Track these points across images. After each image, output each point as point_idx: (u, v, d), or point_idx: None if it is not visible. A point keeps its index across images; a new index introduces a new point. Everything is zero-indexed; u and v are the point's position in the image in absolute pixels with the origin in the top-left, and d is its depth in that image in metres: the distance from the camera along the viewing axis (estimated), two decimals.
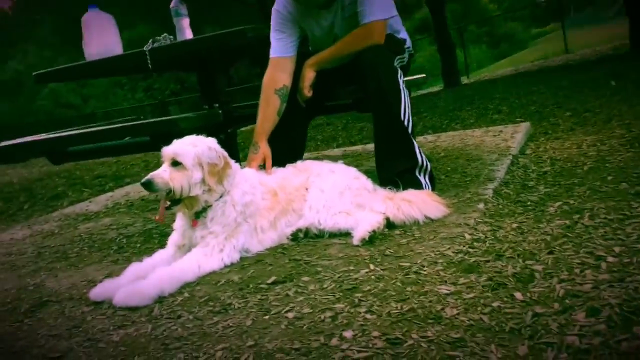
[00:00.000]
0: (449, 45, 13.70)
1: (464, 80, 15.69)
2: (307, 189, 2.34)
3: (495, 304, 1.42)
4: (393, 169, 2.44)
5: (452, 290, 1.53)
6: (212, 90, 3.12)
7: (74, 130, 2.91)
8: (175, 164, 2.07)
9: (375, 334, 1.36)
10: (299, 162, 2.47)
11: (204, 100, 3.15)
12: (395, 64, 2.53)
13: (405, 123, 2.44)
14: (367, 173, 2.44)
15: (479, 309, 1.41)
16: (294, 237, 2.25)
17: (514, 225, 2.01)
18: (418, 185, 2.41)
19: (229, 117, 3.03)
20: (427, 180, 2.47)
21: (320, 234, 2.24)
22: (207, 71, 3.10)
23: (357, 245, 2.04)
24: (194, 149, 2.09)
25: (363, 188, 2.35)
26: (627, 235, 1.74)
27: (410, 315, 1.43)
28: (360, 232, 2.08)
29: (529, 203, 2.30)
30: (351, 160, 3.81)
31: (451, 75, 13.59)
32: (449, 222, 2.13)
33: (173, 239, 2.22)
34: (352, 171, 2.41)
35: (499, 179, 2.69)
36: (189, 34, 2.93)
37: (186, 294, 1.87)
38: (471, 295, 1.49)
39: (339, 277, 1.77)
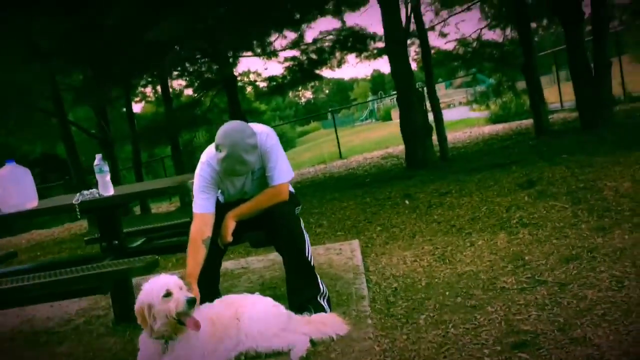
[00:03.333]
0: None
1: None
2: (238, 319, 2.96)
3: None
4: (302, 297, 3.18)
5: None
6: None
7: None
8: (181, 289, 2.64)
9: None
10: (224, 297, 3.09)
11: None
12: (296, 213, 3.34)
13: (309, 260, 3.23)
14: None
15: None
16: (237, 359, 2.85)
17: (404, 337, 2.88)
18: (322, 309, 3.17)
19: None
20: (326, 304, 3.25)
21: (258, 355, 2.86)
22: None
23: None
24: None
25: (283, 314, 3.05)
26: (486, 340, 2.70)
27: None
28: (299, 351, 2.76)
29: (400, 316, 3.20)
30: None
31: None
32: (357, 337, 2.92)
33: None
34: (270, 301, 3.10)
35: (367, 297, 3.58)
36: (111, 190, 3.41)
37: None
38: None
39: None
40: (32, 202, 3.39)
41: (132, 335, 3.52)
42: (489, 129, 16.75)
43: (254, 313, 2.96)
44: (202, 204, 3.18)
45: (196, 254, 3.10)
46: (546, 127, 11.70)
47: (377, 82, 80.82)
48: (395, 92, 10.85)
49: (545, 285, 3.21)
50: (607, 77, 10.34)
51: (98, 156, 3.40)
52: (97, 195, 3.29)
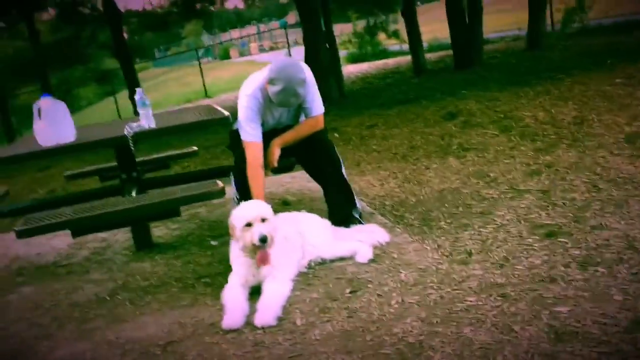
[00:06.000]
0: None
1: None
2: (301, 233, 3.34)
3: None
4: (343, 213, 3.62)
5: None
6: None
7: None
8: (263, 220, 2.91)
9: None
10: (279, 215, 3.43)
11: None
12: None
13: (346, 177, 3.67)
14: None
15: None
16: (309, 266, 3.26)
17: (442, 238, 3.46)
18: (360, 223, 3.65)
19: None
20: (359, 217, 3.73)
21: (324, 262, 3.29)
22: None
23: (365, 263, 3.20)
24: (268, 208, 2.98)
25: (333, 227, 3.49)
26: (520, 233, 3.36)
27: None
28: (365, 255, 3.23)
29: (420, 224, 3.77)
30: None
31: None
32: (402, 241, 3.44)
33: (239, 277, 2.97)
34: (318, 217, 3.52)
35: (376, 212, 4.11)
36: (153, 122, 3.52)
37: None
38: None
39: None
40: (70, 136, 3.39)
41: (162, 258, 3.74)
42: (355, 69, 17.60)
43: (312, 227, 3.36)
44: (254, 133, 3.45)
45: (258, 179, 3.38)
46: (423, 67, 12.78)
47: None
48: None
49: (530, 193, 3.95)
50: (479, 21, 11.54)
51: (139, 90, 3.47)
52: (145, 127, 3.39)
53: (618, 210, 3.31)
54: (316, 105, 3.58)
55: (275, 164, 3.56)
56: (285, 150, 3.60)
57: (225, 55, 39.95)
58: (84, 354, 2.63)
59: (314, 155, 3.63)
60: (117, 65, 15.33)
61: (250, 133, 3.44)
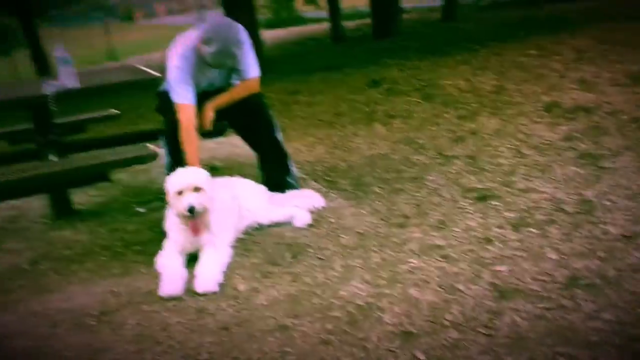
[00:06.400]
0: None
1: None
2: (236, 198, 3.26)
3: None
4: (278, 177, 3.55)
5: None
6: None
7: None
8: (197, 189, 2.79)
9: None
10: (218, 179, 3.32)
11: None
12: None
13: (281, 141, 3.60)
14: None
15: None
16: (246, 231, 3.18)
17: (379, 202, 3.48)
18: (295, 187, 3.60)
19: None
20: (295, 182, 3.68)
21: (260, 227, 3.23)
22: None
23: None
24: (204, 175, 2.85)
25: (268, 192, 3.43)
26: (463, 190, 3.43)
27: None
28: (303, 219, 3.19)
29: (353, 189, 3.78)
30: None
31: None
32: (337, 206, 3.43)
33: (176, 244, 2.86)
34: (252, 182, 3.45)
35: (308, 177, 4.08)
36: (76, 81, 3.27)
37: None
38: None
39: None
40: None
41: (85, 227, 3.55)
42: (271, 35, 17.30)
43: (248, 192, 3.29)
44: (186, 95, 3.28)
45: (192, 142, 3.24)
46: (342, 35, 12.78)
47: None
48: None
49: (458, 159, 4.03)
50: None
51: (59, 46, 3.20)
52: (68, 86, 3.13)
53: (543, 175, 3.46)
54: (252, 67, 3.47)
55: (210, 127, 3.43)
56: (218, 114, 3.48)
57: (128, 17, 38.05)
58: (8, 327, 2.46)
59: (248, 119, 3.53)
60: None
61: (182, 95, 3.29)
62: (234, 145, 5.14)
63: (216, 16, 3.36)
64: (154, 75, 3.41)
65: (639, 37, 6.50)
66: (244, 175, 3.53)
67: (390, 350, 1.96)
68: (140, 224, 3.54)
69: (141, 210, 3.80)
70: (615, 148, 3.68)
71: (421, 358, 1.90)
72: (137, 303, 2.54)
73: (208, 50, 3.18)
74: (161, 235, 3.06)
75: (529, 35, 8.19)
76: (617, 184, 3.15)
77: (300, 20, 20.64)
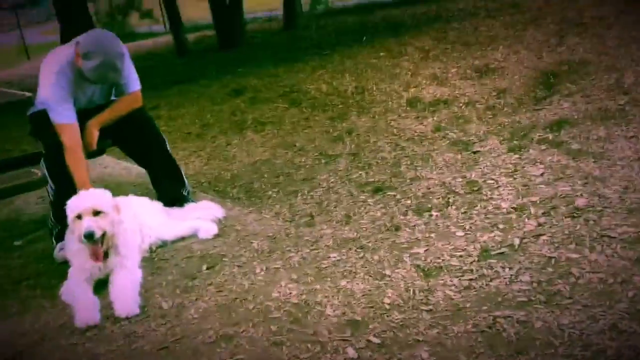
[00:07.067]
0: None
1: None
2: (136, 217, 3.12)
3: None
4: (173, 193, 3.45)
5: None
6: None
7: None
8: (96, 213, 2.64)
9: None
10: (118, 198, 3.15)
11: None
12: None
13: (173, 156, 3.50)
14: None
15: None
16: (150, 250, 3.06)
17: (284, 209, 3.51)
18: (188, 201, 3.51)
19: None
20: (190, 195, 3.59)
21: (165, 244, 3.12)
22: None
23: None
24: (106, 197, 2.71)
25: (165, 208, 3.32)
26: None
27: None
28: (209, 231, 3.13)
29: (248, 196, 3.78)
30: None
31: None
32: (239, 214, 3.41)
33: (82, 272, 2.67)
34: (148, 199, 3.32)
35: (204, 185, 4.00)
36: None
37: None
38: None
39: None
40: None
41: None
42: None
43: (146, 210, 3.17)
44: (68, 114, 3.07)
45: (80, 164, 3.04)
46: (186, 48, 12.57)
47: None
48: None
49: (342, 157, 4.16)
50: (240, 1, 11.74)
51: None
52: None
53: (427, 163, 3.72)
54: (133, 80, 3.34)
55: (95, 146, 3.25)
56: (101, 132, 3.30)
57: None
58: None
59: (135, 135, 3.39)
60: None
61: (63, 114, 3.08)
62: (102, 165, 4.90)
63: (95, 30, 3.17)
64: (24, 95, 3.15)
65: (471, 36, 7.15)
66: (126, 194, 3.38)
67: (345, 340, 2.01)
68: (22, 258, 3.27)
69: (18, 243, 3.50)
70: (481, 134, 4.05)
71: (376, 342, 1.97)
72: (52, 339, 2.35)
73: (88, 65, 3.01)
74: (51, 266, 2.86)
75: (372, 39, 8.65)
76: (492, 165, 3.48)
77: (134, 36, 19.89)
